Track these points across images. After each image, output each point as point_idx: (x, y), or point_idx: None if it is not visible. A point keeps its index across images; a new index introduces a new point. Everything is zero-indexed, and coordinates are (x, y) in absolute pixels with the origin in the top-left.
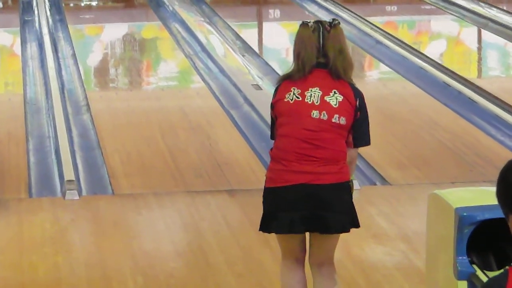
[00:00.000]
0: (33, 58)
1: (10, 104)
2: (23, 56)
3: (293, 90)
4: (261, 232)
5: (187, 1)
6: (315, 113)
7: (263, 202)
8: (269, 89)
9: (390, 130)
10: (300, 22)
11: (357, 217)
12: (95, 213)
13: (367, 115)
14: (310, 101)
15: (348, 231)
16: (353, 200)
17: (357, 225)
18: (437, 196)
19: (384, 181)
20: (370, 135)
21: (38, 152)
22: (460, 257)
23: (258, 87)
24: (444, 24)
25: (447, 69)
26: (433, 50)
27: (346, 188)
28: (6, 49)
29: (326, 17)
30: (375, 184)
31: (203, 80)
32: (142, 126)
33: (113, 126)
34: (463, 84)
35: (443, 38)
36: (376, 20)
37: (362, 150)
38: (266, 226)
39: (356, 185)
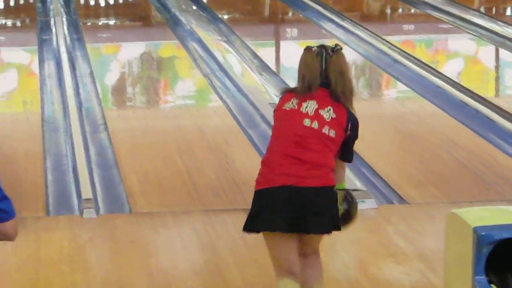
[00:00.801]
0: (50, 76)
1: (28, 123)
2: (41, 74)
3: (292, 100)
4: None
5: (205, 20)
6: (307, 121)
7: (251, 205)
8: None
9: (408, 149)
10: (317, 41)
11: (338, 220)
12: (112, 231)
13: (356, 137)
14: (304, 110)
15: (328, 233)
16: (371, 218)
17: (338, 228)
18: (455, 215)
19: (402, 200)
20: (354, 154)
21: (56, 170)
22: (478, 277)
23: (275, 106)
24: (462, 43)
25: (464, 88)
26: (451, 69)
27: (329, 193)
28: (24, 67)
29: (343, 36)
30: (392, 203)
31: (221, 98)
32: (159, 144)
33: (130, 145)
34: (480, 103)
35: (460, 57)
36: (394, 39)
37: (379, 168)
38: (251, 225)
39: (372, 203)
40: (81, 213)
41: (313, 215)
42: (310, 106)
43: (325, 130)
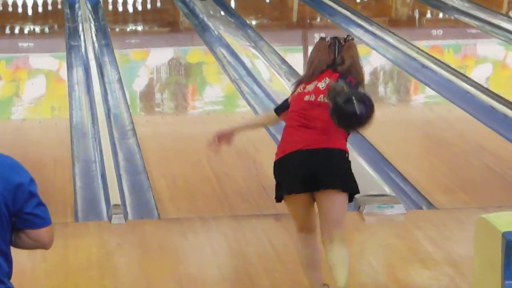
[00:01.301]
0: (79, 83)
1: (56, 129)
2: (69, 81)
3: (300, 86)
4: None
5: (233, 25)
6: (307, 97)
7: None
8: None
9: (437, 154)
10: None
11: (352, 182)
12: (141, 237)
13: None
14: (307, 90)
15: (338, 188)
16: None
17: (350, 189)
18: (484, 220)
19: (430, 205)
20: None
21: (84, 176)
22: (508, 282)
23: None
24: (490, 48)
25: (493, 93)
26: (479, 74)
27: (338, 154)
28: (53, 74)
29: (371, 41)
30: (421, 208)
31: (249, 104)
32: (188, 150)
33: (159, 150)
34: (509, 108)
35: (489, 62)
36: (422, 44)
37: (408, 174)
38: (276, 195)
39: (401, 208)
40: (110, 219)
41: (323, 173)
42: (312, 85)
43: (320, 98)
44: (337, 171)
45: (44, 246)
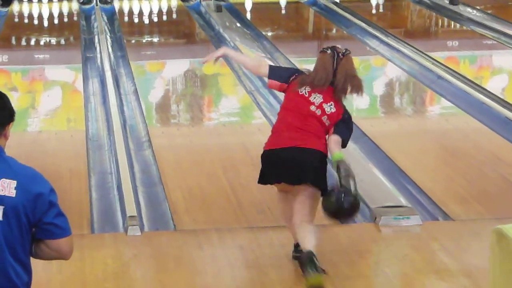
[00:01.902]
0: (95, 94)
1: (72, 141)
2: (85, 92)
3: (305, 87)
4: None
5: (249, 37)
6: (312, 107)
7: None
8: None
9: (452, 165)
10: (362, 58)
11: (324, 183)
12: (157, 248)
13: (350, 126)
14: (312, 100)
15: (317, 186)
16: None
17: (323, 189)
18: (500, 231)
19: (446, 216)
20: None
21: (100, 188)
22: None
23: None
24: (506, 59)
25: (509, 104)
26: (495, 85)
27: (322, 157)
28: (68, 85)
29: (387, 52)
30: (437, 220)
31: (265, 115)
32: (203, 162)
33: (174, 162)
34: None
35: (505, 73)
36: (438, 55)
37: (424, 185)
38: (262, 179)
39: (417, 220)
40: (126, 230)
41: (307, 172)
42: (317, 98)
43: (324, 118)
44: (320, 171)
45: (64, 256)
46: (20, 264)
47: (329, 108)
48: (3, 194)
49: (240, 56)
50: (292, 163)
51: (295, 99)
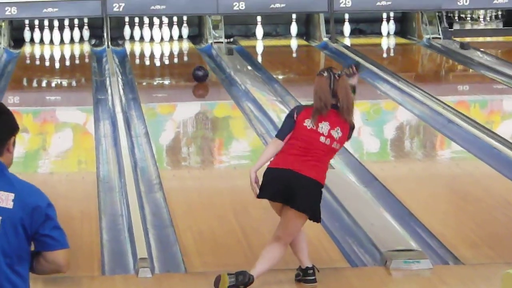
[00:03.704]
0: (106, 136)
1: (83, 183)
2: (96, 134)
3: (311, 120)
4: None
5: (260, 80)
6: (322, 139)
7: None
8: (340, 168)
9: (463, 209)
10: (372, 101)
11: (319, 213)
12: None
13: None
14: (320, 131)
15: (305, 213)
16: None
17: (314, 218)
18: (511, 276)
19: (457, 260)
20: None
21: (111, 230)
22: None
23: (330, 166)
24: None
25: None
26: (506, 129)
27: (318, 187)
28: (79, 127)
29: (398, 96)
30: (448, 264)
31: None
32: (214, 204)
33: (185, 204)
34: None
35: None
36: (448, 99)
37: (434, 229)
38: (260, 193)
39: (427, 264)
40: (137, 272)
41: (301, 197)
42: (324, 127)
43: (334, 145)
44: (312, 199)
45: (61, 268)
46: (17, 276)
47: (337, 133)
48: (1, 206)
49: (262, 158)
50: (287, 185)
51: (305, 135)
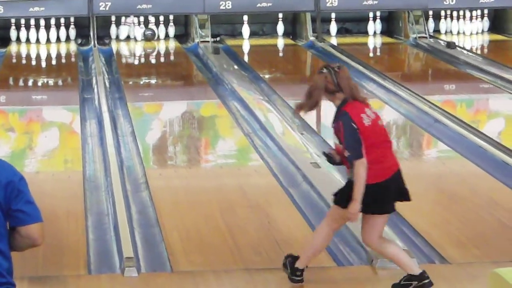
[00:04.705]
0: (92, 135)
1: (69, 182)
2: (83, 133)
3: (363, 115)
4: None
5: (246, 79)
6: (380, 122)
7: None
8: (327, 167)
9: (449, 208)
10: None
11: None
12: None
13: None
14: (371, 115)
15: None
16: None
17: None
18: (497, 275)
19: (443, 259)
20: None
21: (97, 229)
22: None
23: (316, 165)
24: (503, 102)
25: (506, 147)
26: (492, 128)
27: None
28: (66, 126)
29: (384, 95)
30: (434, 263)
31: (262, 158)
32: (200, 203)
33: (171, 204)
34: None
35: (501, 117)
36: (435, 98)
37: (420, 228)
38: (379, 211)
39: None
40: (123, 271)
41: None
42: (370, 112)
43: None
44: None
45: (35, 241)
46: None
47: (372, 112)
48: None
49: (360, 186)
50: (397, 190)
51: (374, 133)
